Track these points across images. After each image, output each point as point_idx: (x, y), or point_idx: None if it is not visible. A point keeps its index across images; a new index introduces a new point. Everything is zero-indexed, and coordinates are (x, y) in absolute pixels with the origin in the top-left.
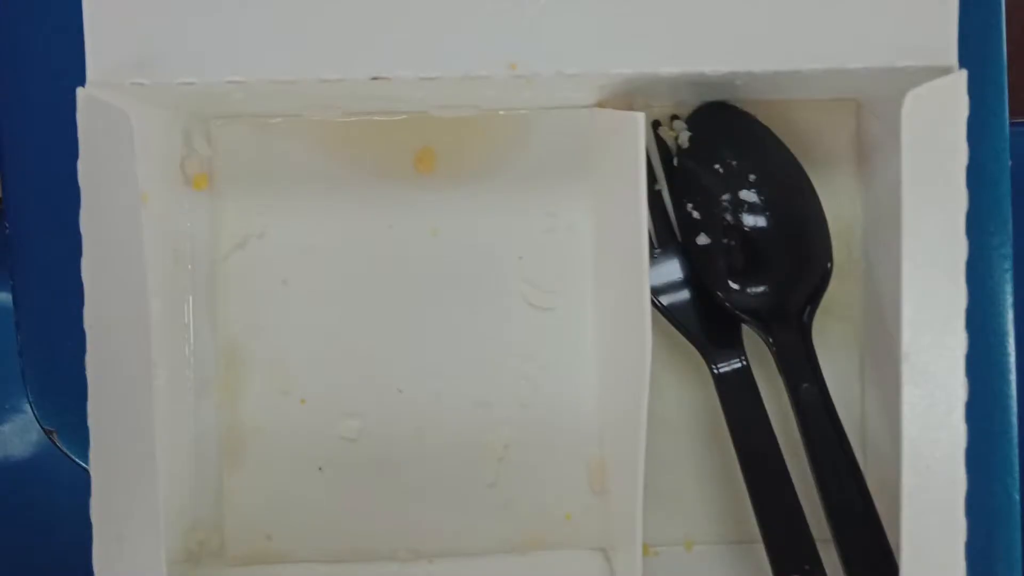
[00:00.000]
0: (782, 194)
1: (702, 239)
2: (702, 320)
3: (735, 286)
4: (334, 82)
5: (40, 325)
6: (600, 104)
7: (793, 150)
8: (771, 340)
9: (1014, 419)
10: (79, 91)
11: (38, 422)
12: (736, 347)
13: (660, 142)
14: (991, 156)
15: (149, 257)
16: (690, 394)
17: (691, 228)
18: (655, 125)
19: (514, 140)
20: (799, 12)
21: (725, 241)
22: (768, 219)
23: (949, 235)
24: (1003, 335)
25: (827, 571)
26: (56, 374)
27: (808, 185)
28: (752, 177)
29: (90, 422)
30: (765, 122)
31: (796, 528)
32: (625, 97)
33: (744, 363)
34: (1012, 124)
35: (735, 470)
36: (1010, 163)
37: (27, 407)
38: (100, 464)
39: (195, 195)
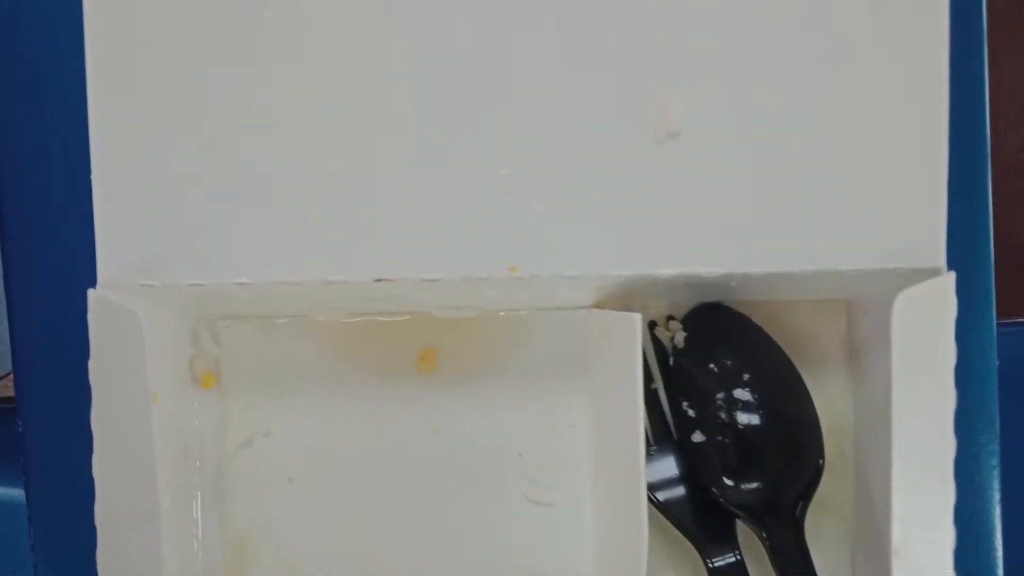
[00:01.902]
0: (775, 393)
1: (697, 436)
2: (697, 515)
3: (729, 482)
4: (338, 283)
5: (52, 521)
6: (598, 305)
7: (786, 350)
8: (765, 535)
9: None
10: (90, 292)
11: None
12: (731, 542)
13: (656, 342)
14: (979, 355)
15: (158, 454)
16: None
17: (687, 426)
18: (651, 325)
19: (514, 340)
20: (791, 216)
21: (720, 438)
22: (762, 417)
23: (938, 433)
24: (991, 531)
25: None
26: (68, 569)
27: (801, 384)
28: (746, 376)
29: None
30: (758, 322)
31: None
32: (622, 298)
33: (738, 557)
34: (999, 324)
35: None
36: (997, 362)
37: None
38: None
39: (203, 394)
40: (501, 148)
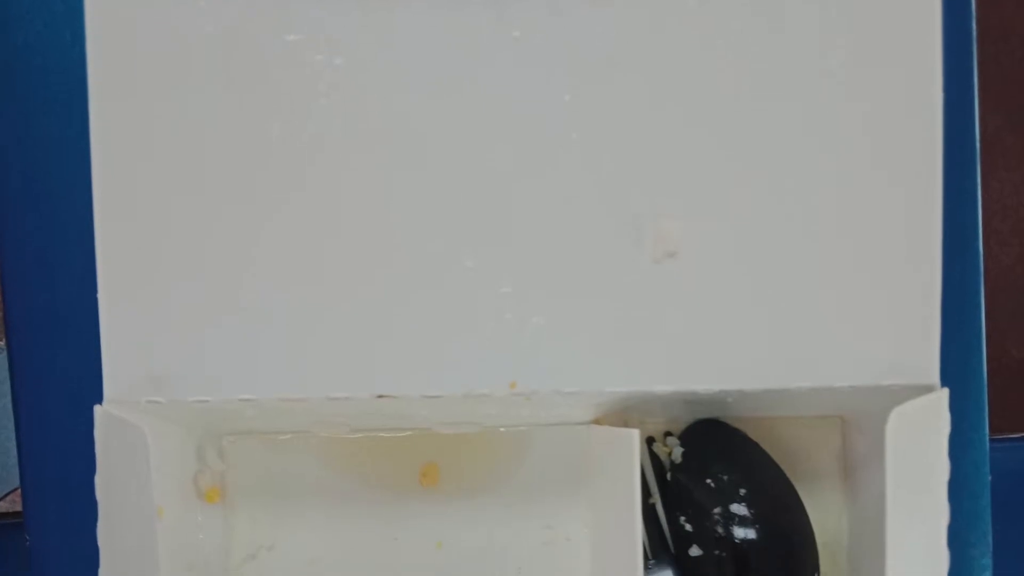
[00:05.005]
0: (771, 508)
1: (694, 550)
2: None
3: None
4: (341, 400)
5: None
6: (596, 421)
7: (781, 465)
8: None
9: None
10: (96, 408)
11: None
12: None
13: (654, 457)
14: (972, 470)
15: (164, 568)
16: None
17: (684, 540)
18: (649, 441)
19: (514, 455)
20: (786, 334)
21: (717, 552)
22: (758, 531)
23: (931, 547)
24: None
25: None
26: None
27: (796, 498)
28: (742, 491)
29: None
30: (755, 438)
31: None
32: (620, 414)
33: None
34: (992, 440)
35: None
36: (990, 477)
37: None
38: None
39: (208, 508)
40: (501, 266)
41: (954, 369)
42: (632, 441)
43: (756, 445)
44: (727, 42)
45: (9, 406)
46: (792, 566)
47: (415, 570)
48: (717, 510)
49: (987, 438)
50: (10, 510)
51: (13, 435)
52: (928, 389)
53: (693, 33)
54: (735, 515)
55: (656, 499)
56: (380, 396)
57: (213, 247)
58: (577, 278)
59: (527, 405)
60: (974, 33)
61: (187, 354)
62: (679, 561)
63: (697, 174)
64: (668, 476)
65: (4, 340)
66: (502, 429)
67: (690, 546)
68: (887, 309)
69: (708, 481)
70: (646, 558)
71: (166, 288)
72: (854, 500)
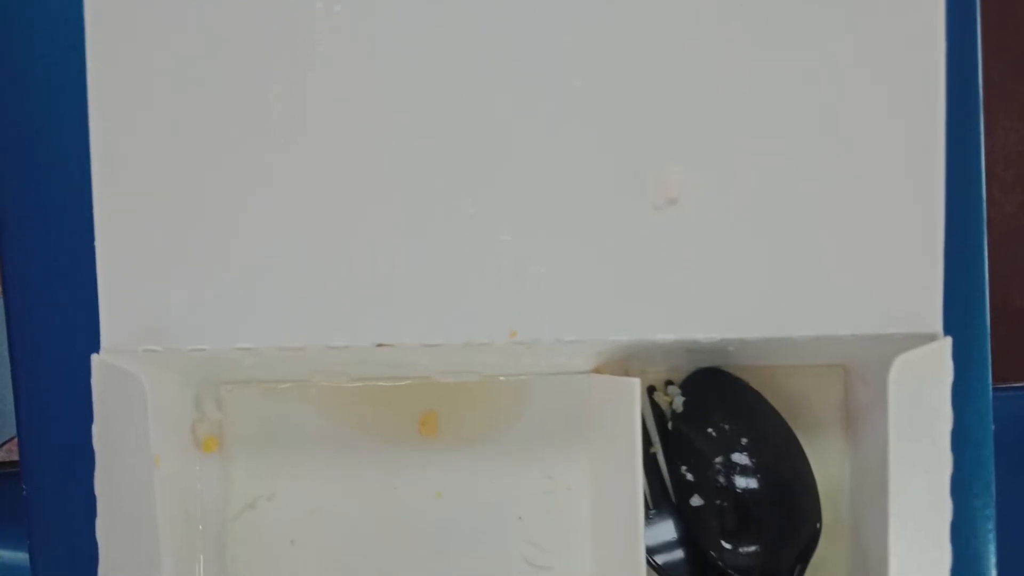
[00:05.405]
0: (773, 457)
1: (695, 500)
2: None
3: (727, 546)
4: (340, 349)
5: None
6: (597, 370)
7: (783, 414)
8: None
9: None
10: (94, 357)
11: None
12: None
13: (655, 406)
14: (975, 420)
15: (161, 518)
16: None
17: (685, 489)
18: (650, 390)
19: (514, 404)
20: (789, 281)
21: (718, 502)
22: (759, 481)
23: (934, 497)
24: None
25: None
26: None
27: (798, 448)
28: (744, 440)
29: None
30: (756, 387)
31: None
32: (621, 363)
33: None
34: (995, 389)
35: None
36: (993, 427)
37: None
38: None
39: (206, 457)
40: (501, 214)
41: (957, 318)
42: (633, 390)
43: (758, 394)
44: None
45: (6, 355)
46: (794, 516)
47: (414, 519)
48: (718, 459)
49: (990, 387)
50: (7, 459)
51: (10, 384)
52: (931, 338)
53: None
54: (736, 464)
55: (657, 448)
56: (379, 345)
57: (211, 195)
58: (578, 226)
59: (527, 354)
60: None
61: (185, 302)
62: (680, 511)
63: (698, 121)
64: (669, 425)
65: (1, 289)
66: (502, 378)
67: (691, 496)
68: (890, 257)
69: (709, 430)
70: (647, 508)
71: (164, 236)
72: (856, 449)
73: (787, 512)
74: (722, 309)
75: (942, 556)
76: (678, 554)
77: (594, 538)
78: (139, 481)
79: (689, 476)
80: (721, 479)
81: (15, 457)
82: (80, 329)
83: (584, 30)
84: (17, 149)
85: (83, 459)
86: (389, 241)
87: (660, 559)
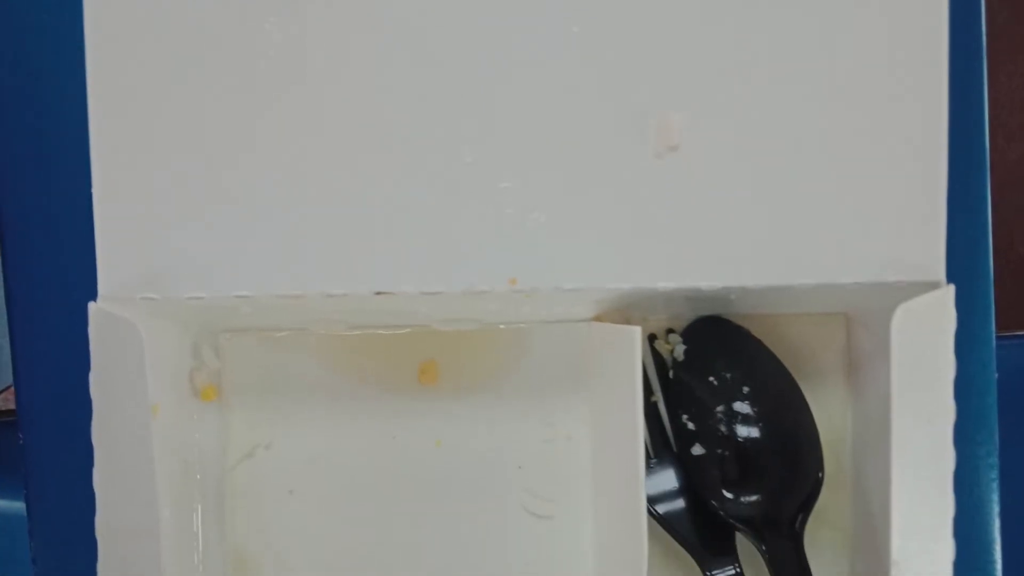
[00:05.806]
0: (774, 406)
1: (697, 449)
2: (697, 528)
3: (729, 495)
4: (339, 297)
5: (53, 533)
6: (597, 318)
7: (785, 363)
8: (764, 548)
9: None
10: (91, 305)
11: None
12: (730, 554)
13: (656, 355)
14: (978, 368)
15: (159, 467)
16: None
17: (686, 439)
18: (651, 338)
19: (514, 353)
20: (790, 229)
21: (719, 451)
22: (761, 430)
23: (937, 445)
24: (990, 543)
25: None
26: None
27: (800, 397)
28: (745, 389)
29: None
30: (758, 335)
31: None
32: (622, 311)
33: (738, 570)
34: (998, 337)
35: None
36: (996, 375)
37: None
38: None
39: (204, 406)
40: (501, 161)
41: (960, 265)
42: (634, 338)
43: (759, 342)
44: None
45: (3, 304)
46: (795, 465)
47: (414, 468)
48: (720, 408)
49: (993, 335)
50: (3, 408)
51: (7, 333)
52: (934, 286)
53: None
54: (738, 413)
55: (658, 397)
56: (378, 293)
57: (208, 143)
58: (578, 173)
59: (527, 302)
60: None
61: (182, 250)
62: (681, 460)
63: (699, 68)
64: (670, 374)
65: None
66: (502, 326)
67: (692, 445)
68: (892, 205)
69: (711, 379)
70: (648, 457)
71: (161, 183)
72: (858, 398)
73: (789, 461)
74: (724, 257)
75: (945, 505)
76: (679, 503)
77: (595, 487)
78: (136, 430)
79: (690, 425)
80: (722, 428)
81: (12, 406)
82: (77, 277)
83: None
84: (12, 92)
85: (80, 408)
86: (388, 189)
87: (661, 508)
